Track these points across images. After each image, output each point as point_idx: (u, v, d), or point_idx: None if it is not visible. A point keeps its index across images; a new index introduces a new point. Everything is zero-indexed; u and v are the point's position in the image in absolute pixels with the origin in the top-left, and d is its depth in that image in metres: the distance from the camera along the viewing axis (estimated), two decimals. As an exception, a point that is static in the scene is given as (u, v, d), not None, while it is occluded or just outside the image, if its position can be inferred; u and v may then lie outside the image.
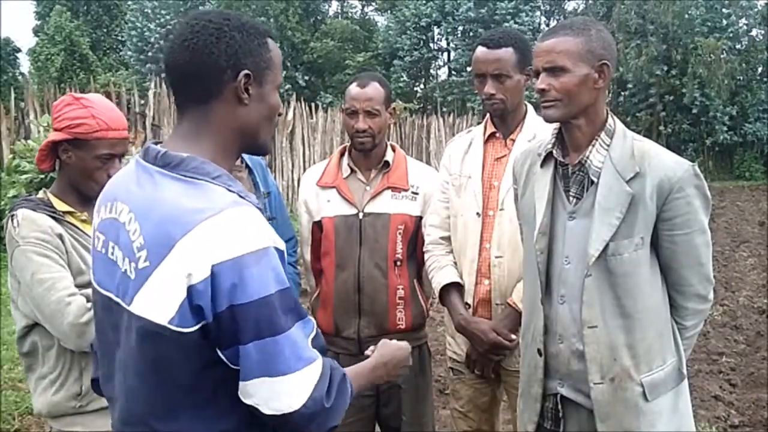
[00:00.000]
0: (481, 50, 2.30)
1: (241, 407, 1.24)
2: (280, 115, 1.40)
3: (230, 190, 1.22)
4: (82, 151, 1.92)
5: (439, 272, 2.39)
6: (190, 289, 1.15)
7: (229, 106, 1.28)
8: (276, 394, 1.18)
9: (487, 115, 2.43)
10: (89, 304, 1.80)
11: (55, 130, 1.94)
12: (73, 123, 1.90)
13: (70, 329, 1.81)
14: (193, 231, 1.15)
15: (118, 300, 1.27)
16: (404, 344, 1.57)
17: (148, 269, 1.19)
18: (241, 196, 1.23)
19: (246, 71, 1.27)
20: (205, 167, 1.23)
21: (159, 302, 1.18)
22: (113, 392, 1.35)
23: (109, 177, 1.92)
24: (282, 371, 1.18)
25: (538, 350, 1.86)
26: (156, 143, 1.31)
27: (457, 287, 2.36)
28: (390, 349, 1.53)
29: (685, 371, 1.84)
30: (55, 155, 1.98)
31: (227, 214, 1.17)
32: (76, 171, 1.96)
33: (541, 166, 1.87)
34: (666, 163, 1.73)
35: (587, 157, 1.78)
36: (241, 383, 1.20)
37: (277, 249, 1.21)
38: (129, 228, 1.24)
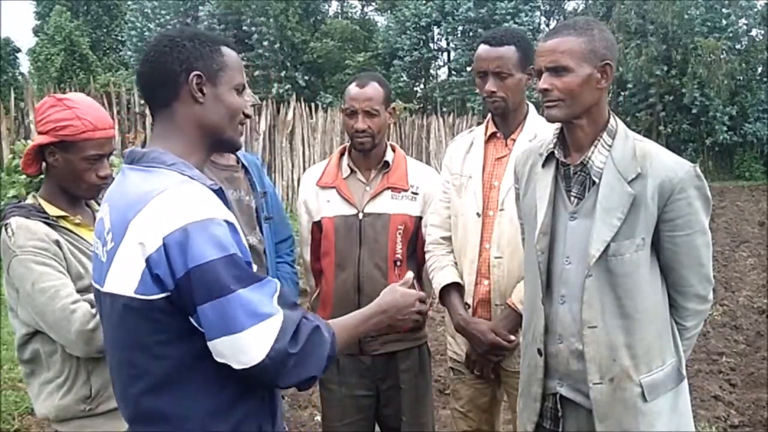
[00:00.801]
0: (483, 48, 2.30)
1: (227, 384, 1.35)
2: (248, 117, 1.54)
3: (183, 174, 1.36)
4: (69, 153, 1.88)
5: (440, 272, 2.39)
6: (148, 260, 1.28)
7: (187, 106, 1.43)
8: (239, 349, 1.28)
9: (489, 114, 2.43)
10: (94, 310, 1.79)
11: (40, 133, 1.89)
12: (59, 125, 1.86)
13: (78, 337, 1.78)
14: (145, 208, 1.29)
15: (98, 286, 1.42)
16: (411, 292, 1.60)
17: (114, 248, 1.34)
18: (193, 179, 1.36)
19: (196, 72, 1.42)
20: (162, 157, 1.39)
21: (124, 275, 1.31)
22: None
23: (98, 177, 1.92)
24: (238, 328, 1.27)
25: (538, 350, 1.86)
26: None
27: (457, 287, 2.36)
28: (392, 297, 1.58)
29: (684, 372, 1.84)
30: (41, 159, 1.93)
31: (173, 191, 1.31)
32: (65, 173, 1.91)
33: (543, 166, 1.87)
34: (667, 164, 1.73)
35: (589, 158, 1.78)
36: (208, 343, 1.30)
37: (227, 221, 1.32)
38: (105, 219, 1.41)
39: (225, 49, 1.47)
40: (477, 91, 2.40)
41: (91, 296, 1.83)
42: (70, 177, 1.92)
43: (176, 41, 1.43)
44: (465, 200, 2.35)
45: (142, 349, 1.33)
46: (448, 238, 2.42)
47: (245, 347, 1.28)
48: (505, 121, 2.36)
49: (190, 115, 1.43)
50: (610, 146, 1.77)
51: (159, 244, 1.26)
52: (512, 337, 2.23)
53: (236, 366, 1.30)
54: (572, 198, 1.82)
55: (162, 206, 1.28)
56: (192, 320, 1.30)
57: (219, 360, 1.31)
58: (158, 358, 1.33)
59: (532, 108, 2.41)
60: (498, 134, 2.38)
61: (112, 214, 1.38)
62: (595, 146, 1.78)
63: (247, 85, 1.56)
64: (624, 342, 1.74)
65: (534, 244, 1.85)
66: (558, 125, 1.84)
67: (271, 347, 1.29)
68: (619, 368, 1.74)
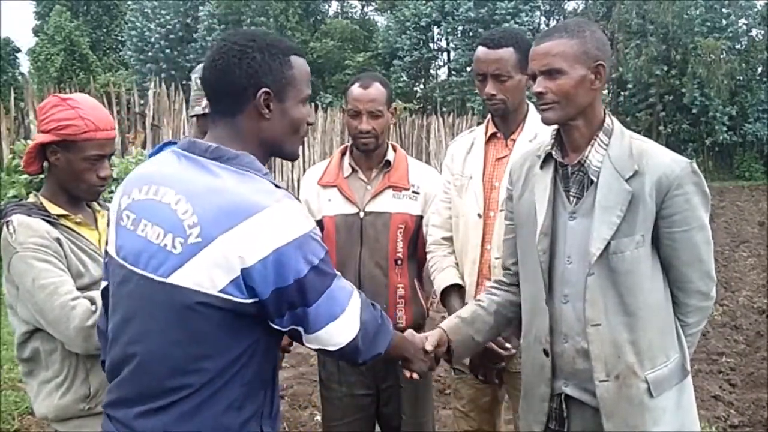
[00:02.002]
0: (481, 50, 2.29)
1: (245, 381, 1.38)
2: (310, 124, 1.54)
3: (277, 186, 1.38)
4: (71, 152, 1.89)
5: (440, 274, 2.39)
6: (245, 270, 1.29)
7: (253, 121, 1.43)
8: (338, 331, 1.39)
9: (489, 115, 2.42)
10: (93, 307, 1.79)
11: (42, 132, 1.90)
12: (61, 125, 1.86)
13: (77, 333, 1.78)
14: (251, 219, 1.29)
15: (147, 273, 1.36)
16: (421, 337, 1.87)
17: (200, 244, 1.31)
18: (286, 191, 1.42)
19: (265, 89, 1.40)
20: (256, 164, 1.40)
21: (209, 275, 1.30)
22: (122, 352, 1.42)
23: (99, 178, 1.92)
24: (340, 311, 1.39)
25: (544, 350, 1.86)
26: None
27: (458, 289, 2.36)
28: (412, 344, 1.82)
29: (689, 367, 1.84)
30: (42, 157, 1.94)
31: (282, 206, 1.34)
32: (65, 173, 1.92)
33: (541, 167, 1.88)
34: (664, 161, 1.74)
35: (586, 157, 1.78)
36: (307, 336, 1.39)
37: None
38: (177, 208, 1.35)
39: (294, 60, 1.45)
40: (477, 91, 2.39)
41: (92, 293, 1.84)
42: (70, 177, 1.93)
43: (246, 53, 1.39)
44: (466, 201, 2.36)
45: (200, 344, 1.33)
46: (450, 239, 2.43)
47: (344, 326, 1.40)
48: (506, 122, 2.36)
49: (255, 129, 1.43)
50: (606, 145, 1.78)
51: (262, 257, 1.29)
52: (508, 345, 2.20)
53: (332, 349, 1.40)
54: (571, 198, 1.82)
55: (269, 221, 1.30)
56: (275, 324, 1.37)
57: (312, 347, 1.40)
58: (212, 356, 1.34)
59: (532, 108, 2.40)
60: (498, 134, 2.38)
61: (195, 205, 1.33)
62: (592, 146, 1.78)
63: None
64: (628, 339, 1.75)
65: (535, 245, 1.85)
66: (555, 126, 1.85)
67: (360, 320, 1.42)
68: (624, 365, 1.75)
